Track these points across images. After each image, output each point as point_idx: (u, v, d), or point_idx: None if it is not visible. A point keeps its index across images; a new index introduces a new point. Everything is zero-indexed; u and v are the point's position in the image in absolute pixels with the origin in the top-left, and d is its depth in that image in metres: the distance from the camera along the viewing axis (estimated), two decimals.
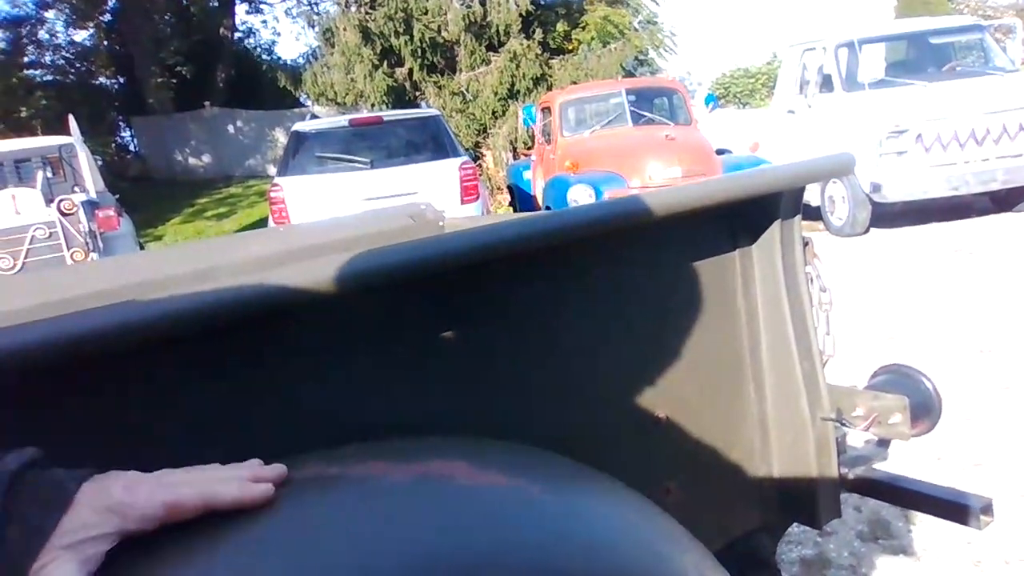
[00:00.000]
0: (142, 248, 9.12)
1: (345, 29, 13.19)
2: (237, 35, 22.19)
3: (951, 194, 6.87)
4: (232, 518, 0.55)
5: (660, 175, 6.81)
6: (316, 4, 19.83)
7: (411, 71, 13.46)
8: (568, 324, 0.95)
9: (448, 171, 6.95)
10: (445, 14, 13.18)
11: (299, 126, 7.53)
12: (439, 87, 13.51)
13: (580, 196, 6.90)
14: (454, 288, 0.84)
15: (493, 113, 13.32)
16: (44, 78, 19.23)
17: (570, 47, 14.17)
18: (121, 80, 20.78)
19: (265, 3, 22.68)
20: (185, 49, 19.78)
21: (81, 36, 20.30)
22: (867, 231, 7.27)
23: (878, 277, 5.59)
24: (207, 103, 18.67)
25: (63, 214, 6.85)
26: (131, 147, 20.02)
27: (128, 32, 18.74)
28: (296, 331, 0.75)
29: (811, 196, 7.57)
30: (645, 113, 8.32)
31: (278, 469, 0.59)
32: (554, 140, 8.40)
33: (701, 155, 7.15)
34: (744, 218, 1.08)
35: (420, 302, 0.83)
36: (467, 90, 13.45)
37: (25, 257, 6.71)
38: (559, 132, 8.35)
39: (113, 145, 19.47)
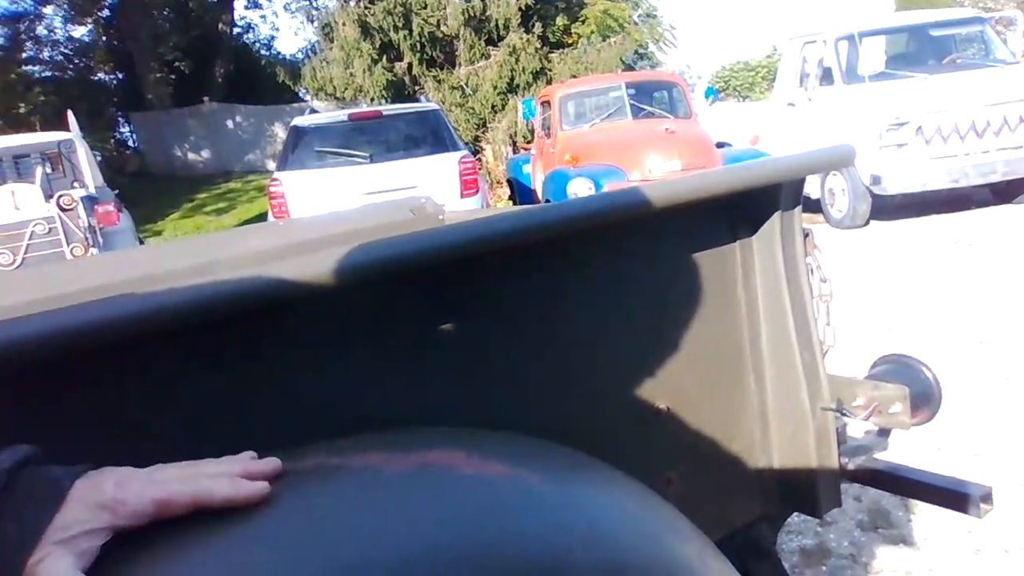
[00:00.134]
0: (142, 243, 9.12)
1: (344, 24, 13.16)
2: (236, 30, 22.16)
3: (951, 186, 6.87)
4: (230, 510, 0.55)
5: (660, 168, 6.80)
6: None
7: (410, 65, 13.43)
8: (568, 316, 0.95)
9: (448, 165, 6.95)
10: (444, 8, 13.15)
11: (298, 121, 7.52)
12: (438, 81, 13.48)
13: (580, 190, 6.89)
14: (453, 281, 0.84)
15: (492, 107, 13.29)
16: (43, 74, 19.18)
17: (570, 41, 14.14)
18: (120, 76, 20.74)
19: None
20: (184, 44, 19.72)
21: (79, 32, 20.27)
22: (867, 223, 7.27)
23: (878, 269, 5.59)
24: (206, 98, 18.63)
25: (62, 209, 6.85)
26: (130, 143, 19.98)
27: (126, 28, 18.69)
28: (295, 324, 0.76)
29: (811, 188, 7.56)
30: (645, 107, 8.31)
31: (272, 463, 0.59)
32: (554, 134, 8.39)
33: (701, 148, 7.15)
34: (744, 210, 1.08)
35: (419, 295, 0.83)
36: (466, 84, 13.43)
37: (25, 253, 6.71)
38: (559, 126, 8.33)
39: (112, 141, 19.43)
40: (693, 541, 0.74)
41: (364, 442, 0.69)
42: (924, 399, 1.11)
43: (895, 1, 18.84)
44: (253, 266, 0.72)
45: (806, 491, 1.13)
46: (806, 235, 1.11)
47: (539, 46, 13.34)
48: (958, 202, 7.28)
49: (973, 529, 2.24)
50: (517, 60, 13.05)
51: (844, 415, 1.11)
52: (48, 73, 19.37)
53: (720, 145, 7.72)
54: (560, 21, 14.07)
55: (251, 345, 0.74)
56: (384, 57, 13.33)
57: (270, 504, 0.56)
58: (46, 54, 19.77)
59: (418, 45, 13.15)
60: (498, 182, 12.29)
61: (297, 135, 7.22)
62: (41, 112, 15.32)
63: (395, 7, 12.84)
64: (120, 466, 0.55)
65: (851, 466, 1.18)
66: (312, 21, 15.57)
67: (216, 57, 20.06)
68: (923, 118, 6.74)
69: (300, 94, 17.26)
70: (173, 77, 19.85)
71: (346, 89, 13.54)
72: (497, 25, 13.16)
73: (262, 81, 19.36)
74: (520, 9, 13.02)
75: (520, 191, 9.97)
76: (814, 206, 7.57)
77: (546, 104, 8.91)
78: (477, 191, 7.04)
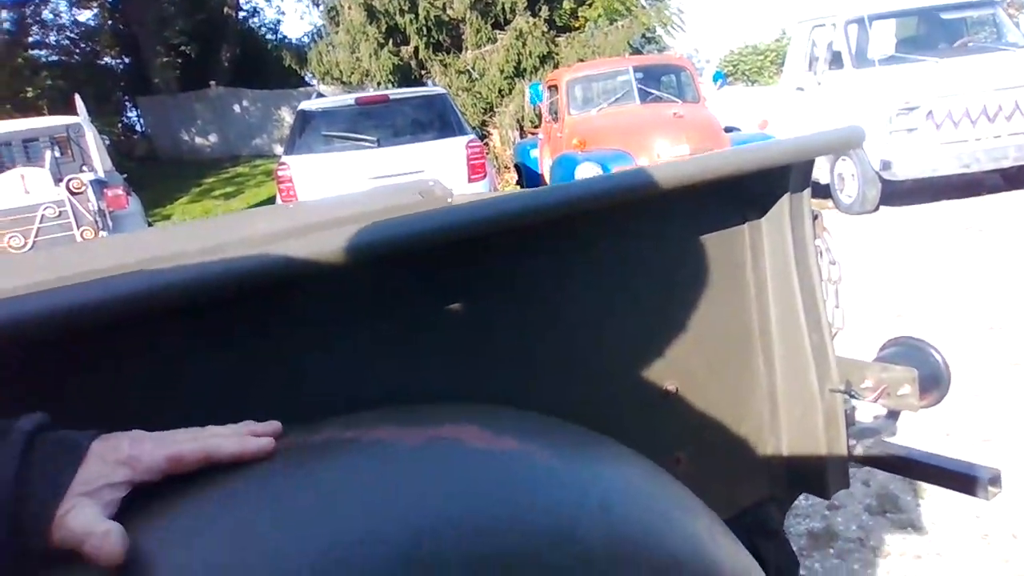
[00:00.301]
0: (151, 227, 9.15)
1: (350, 7, 13.10)
2: (242, 14, 22.05)
3: (962, 171, 6.82)
4: (243, 481, 0.56)
5: (668, 153, 6.77)
6: None
7: (416, 49, 13.37)
8: (577, 297, 0.96)
9: (455, 149, 6.94)
10: None
11: (305, 105, 7.51)
12: (445, 65, 13.42)
13: (587, 174, 6.86)
14: (461, 261, 0.84)
15: (500, 92, 13.24)
16: (49, 58, 19.17)
17: (577, 24, 14.04)
18: (126, 60, 20.70)
19: None
20: (189, 28, 19.67)
21: (85, 16, 20.22)
22: (877, 209, 7.23)
23: (887, 255, 5.57)
24: (212, 82, 18.61)
25: (72, 193, 6.89)
26: (137, 127, 19.99)
27: (132, 11, 18.64)
28: (304, 303, 0.76)
29: (820, 174, 7.52)
30: (652, 91, 8.26)
31: (272, 425, 0.62)
32: (561, 118, 8.36)
33: (709, 132, 7.11)
34: (753, 191, 1.08)
35: (428, 274, 0.83)
36: (473, 68, 13.36)
37: (36, 236, 6.75)
38: (566, 110, 8.30)
39: (119, 125, 19.44)
40: (702, 517, 0.74)
41: (375, 417, 0.70)
42: (933, 381, 1.11)
43: None
44: (262, 247, 0.72)
45: (814, 472, 1.13)
46: (815, 218, 1.11)
47: (546, 30, 13.26)
48: (969, 188, 7.23)
49: (981, 514, 2.25)
50: (524, 44, 12.98)
51: (853, 397, 1.11)
52: (55, 57, 19.36)
53: (728, 130, 7.67)
54: (567, 4, 13.96)
55: (259, 323, 0.74)
56: (390, 41, 13.27)
57: (279, 476, 0.57)
58: (52, 38, 19.76)
59: (424, 29, 13.08)
60: (506, 167, 12.25)
61: (304, 119, 7.21)
62: (48, 96, 15.34)
63: None
64: None
65: (859, 448, 1.18)
66: (318, 5, 15.57)
67: (222, 41, 19.99)
68: (934, 102, 6.68)
69: (306, 78, 17.22)
70: (179, 61, 19.83)
71: (352, 73, 13.49)
72: (503, 8, 13.08)
73: (268, 65, 19.29)
74: None
75: (528, 176, 9.95)
76: (823, 191, 7.53)
77: (553, 88, 8.87)
78: (485, 175, 7.02)
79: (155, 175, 15.63)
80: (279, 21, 32.35)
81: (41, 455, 0.51)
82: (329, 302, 0.78)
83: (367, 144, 6.97)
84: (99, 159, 8.19)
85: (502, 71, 13.07)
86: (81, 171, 7.78)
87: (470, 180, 6.85)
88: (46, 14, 19.32)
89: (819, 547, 2.27)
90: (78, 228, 6.89)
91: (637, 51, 13.83)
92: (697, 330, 1.06)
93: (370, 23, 13.01)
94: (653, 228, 1.01)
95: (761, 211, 1.09)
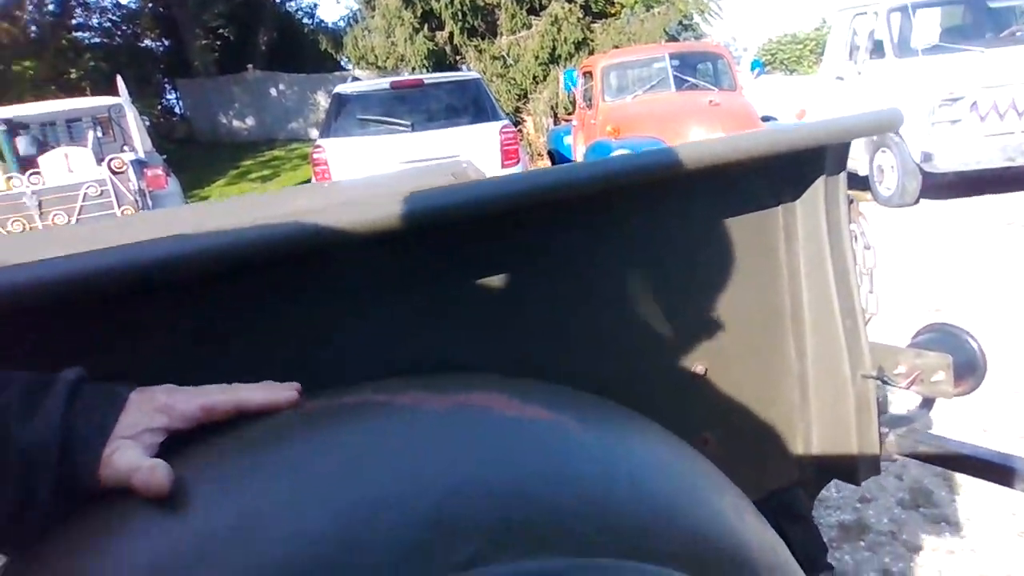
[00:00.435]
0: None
1: None
2: None
3: (1006, 165, 6.63)
4: (273, 437, 0.58)
5: None
6: None
7: (451, 35, 13.36)
8: (609, 274, 0.96)
9: (489, 134, 6.94)
10: None
11: (341, 88, 7.55)
12: (479, 51, 13.40)
13: None
14: (494, 234, 0.85)
15: (534, 78, 13.18)
16: (92, 40, 19.49)
17: (613, 11, 13.90)
18: (166, 42, 20.98)
19: None
20: (228, 11, 19.87)
21: None
22: (917, 202, 7.08)
23: (927, 249, 5.46)
24: (250, 66, 18.78)
25: (113, 172, 7.04)
26: (176, 109, 20.28)
27: None
28: (339, 272, 0.77)
29: (859, 165, 7.39)
30: (688, 78, 8.17)
31: (294, 384, 0.64)
32: (595, 105, 8.31)
33: (745, 121, 7.01)
34: (787, 173, 1.07)
35: (461, 248, 0.84)
36: (508, 54, 13.32)
37: (79, 214, 6.92)
38: (600, 97, 8.24)
39: (159, 107, 19.73)
40: (729, 495, 0.74)
41: (405, 383, 0.71)
42: (968, 368, 1.10)
43: None
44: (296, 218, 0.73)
45: (844, 458, 1.13)
46: (850, 202, 1.10)
47: (581, 16, 13.15)
48: (1014, 182, 7.04)
49: (1018, 511, 2.21)
50: (559, 30, 12.89)
51: (885, 383, 1.10)
52: (97, 40, 19.68)
53: (765, 119, 7.56)
54: None
55: (295, 291, 0.76)
56: (425, 26, 13.27)
57: (309, 434, 0.59)
58: (95, 20, 20.10)
59: (459, 14, 13.06)
60: (539, 154, 12.22)
61: (340, 103, 7.26)
62: (91, 78, 15.60)
63: None
64: None
65: (892, 436, 1.17)
66: None
67: (260, 24, 20.16)
68: (978, 93, 6.50)
69: (342, 63, 17.30)
70: (218, 44, 20.05)
71: (387, 58, 13.53)
72: None
73: (304, 49, 19.42)
74: None
75: (561, 163, 9.91)
76: (862, 183, 7.39)
77: (588, 75, 8.81)
78: (518, 161, 7.02)
79: (193, 157, 15.86)
80: (316, 5, 32.59)
81: (84, 403, 0.55)
82: (365, 273, 0.79)
83: (401, 128, 7.00)
84: (140, 139, 8.34)
85: (537, 57, 13.01)
86: (122, 151, 7.94)
87: (503, 165, 6.85)
88: None
89: (850, 539, 2.25)
90: (119, 207, 7.04)
91: (673, 38, 13.66)
92: (728, 311, 1.06)
93: (405, 7, 13.03)
94: (686, 207, 1.01)
95: (795, 194, 1.09)
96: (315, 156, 6.96)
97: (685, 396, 1.04)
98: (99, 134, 8.20)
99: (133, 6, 20.52)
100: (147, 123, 11.09)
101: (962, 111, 6.54)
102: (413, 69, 12.99)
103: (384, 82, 7.76)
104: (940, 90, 6.61)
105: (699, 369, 1.04)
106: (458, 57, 13.60)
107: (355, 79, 9.83)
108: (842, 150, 1.06)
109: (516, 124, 11.84)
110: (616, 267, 0.96)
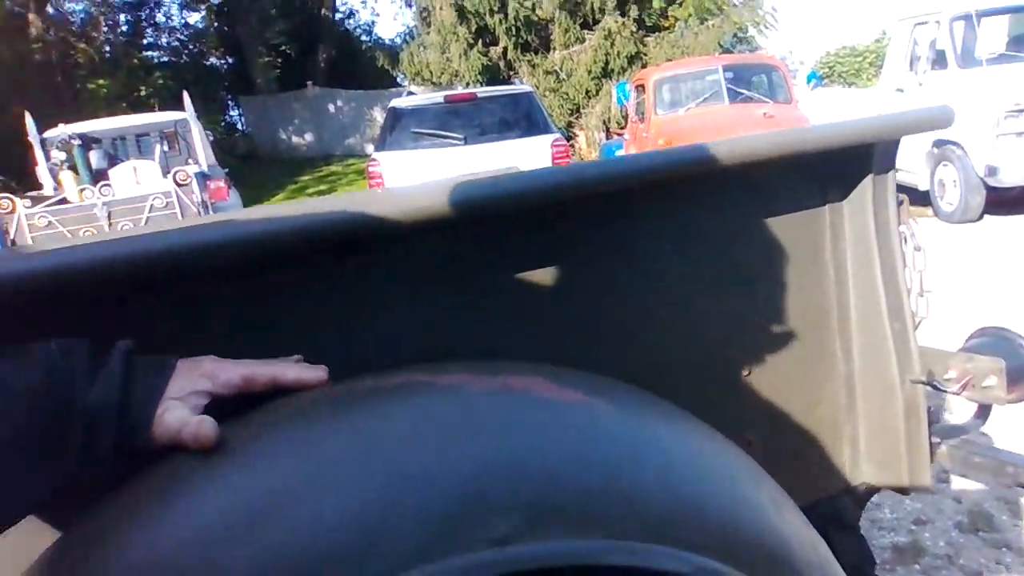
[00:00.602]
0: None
1: (441, 8, 13.36)
2: (338, 15, 22.83)
3: None
4: (320, 410, 0.63)
5: None
6: None
7: (505, 50, 13.51)
8: (652, 270, 0.96)
9: (540, 148, 6.98)
10: None
11: (396, 102, 7.70)
12: (533, 66, 13.51)
13: None
14: (539, 226, 0.86)
15: (587, 92, 13.22)
16: (160, 59, 20.28)
17: (666, 24, 13.87)
18: (229, 60, 21.69)
19: None
20: (289, 29, 20.45)
21: (194, 18, 21.32)
22: (980, 218, 6.84)
23: (989, 266, 5.27)
24: (310, 83, 19.28)
25: (178, 184, 7.33)
26: (239, 126, 20.93)
27: (236, 13, 19.52)
28: (386, 262, 0.80)
29: (920, 180, 7.18)
30: (742, 91, 8.07)
31: (322, 366, 0.69)
32: (648, 119, 8.28)
33: None
34: (834, 171, 1.06)
35: (506, 239, 0.85)
36: (561, 68, 13.39)
37: (145, 224, 7.19)
38: (653, 110, 8.21)
39: (222, 123, 20.37)
40: (768, 490, 0.74)
41: (446, 366, 0.73)
42: (1022, 373, 1.06)
43: None
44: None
45: (892, 465, 1.10)
46: (900, 203, 1.08)
47: (635, 29, 13.16)
48: None
49: None
50: (612, 44, 12.92)
51: (935, 387, 1.08)
52: (165, 58, 20.46)
53: None
54: (657, 3, 13.81)
55: (343, 278, 0.78)
56: (480, 41, 13.45)
57: (350, 409, 0.62)
58: (164, 40, 20.92)
59: (513, 29, 13.20)
60: None
61: (395, 116, 7.40)
62: (159, 95, 16.20)
63: None
64: None
65: (944, 447, 1.14)
66: (410, 5, 15.88)
67: (319, 42, 20.71)
68: None
69: (398, 79, 17.62)
70: (279, 61, 20.62)
71: (442, 74, 13.75)
72: (592, 8, 13.06)
73: (362, 66, 19.87)
74: None
75: None
76: (923, 198, 7.18)
77: (640, 88, 8.79)
78: None
79: (254, 172, 16.31)
80: (373, 22, 33.40)
81: (139, 370, 0.61)
82: (411, 263, 0.81)
83: (455, 141, 7.10)
84: (203, 153, 8.66)
85: (589, 71, 13.05)
86: (187, 164, 8.25)
87: None
88: (159, 17, 20.50)
89: (904, 562, 2.17)
90: (183, 217, 7.30)
91: (728, 51, 13.54)
92: (772, 311, 1.05)
93: (461, 23, 13.23)
94: (730, 205, 1.01)
95: (843, 193, 1.08)
96: (370, 169, 7.11)
97: (727, 395, 1.03)
98: (166, 148, 8.55)
99: (200, 25, 21.33)
100: (211, 138, 11.47)
101: None
102: (467, 84, 13.16)
103: (438, 96, 7.89)
104: (1006, 101, 6.39)
105: (743, 368, 1.04)
106: (512, 72, 13.73)
107: (410, 94, 10.01)
108: (891, 148, 1.05)
109: (568, 139, 11.87)
110: (659, 263, 0.97)
